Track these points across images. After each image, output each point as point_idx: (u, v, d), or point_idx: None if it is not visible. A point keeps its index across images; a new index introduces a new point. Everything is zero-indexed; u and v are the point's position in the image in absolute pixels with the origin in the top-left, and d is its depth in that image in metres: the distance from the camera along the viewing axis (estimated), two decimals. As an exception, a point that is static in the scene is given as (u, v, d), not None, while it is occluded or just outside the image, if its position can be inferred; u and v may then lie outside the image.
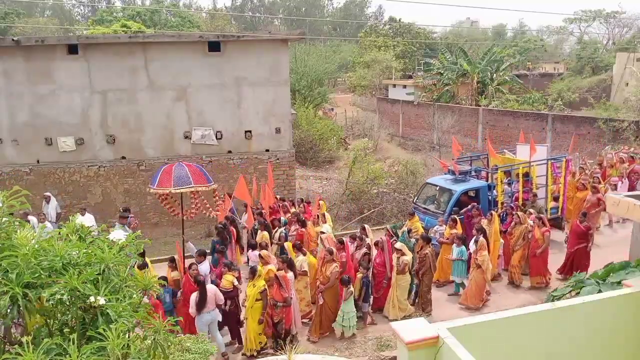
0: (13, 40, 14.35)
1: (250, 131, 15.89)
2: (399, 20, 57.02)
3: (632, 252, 7.51)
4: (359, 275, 9.47)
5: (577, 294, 5.95)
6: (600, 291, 5.55)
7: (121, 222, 11.37)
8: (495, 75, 35.70)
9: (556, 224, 13.07)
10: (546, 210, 12.89)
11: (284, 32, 29.34)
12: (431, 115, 33.66)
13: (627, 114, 26.82)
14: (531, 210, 11.76)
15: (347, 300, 8.82)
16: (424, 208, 13.33)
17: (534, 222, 10.87)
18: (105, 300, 2.88)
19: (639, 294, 4.85)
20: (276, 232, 11.35)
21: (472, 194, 13.11)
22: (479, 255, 9.93)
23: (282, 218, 12.09)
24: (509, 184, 13.42)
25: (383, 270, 9.87)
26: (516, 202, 12.62)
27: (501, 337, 4.43)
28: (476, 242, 10.09)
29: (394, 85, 43.45)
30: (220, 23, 47.74)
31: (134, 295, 3.17)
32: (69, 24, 61.12)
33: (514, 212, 11.51)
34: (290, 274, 8.68)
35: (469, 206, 12.23)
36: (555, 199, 13.13)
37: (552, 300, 5.98)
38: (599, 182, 13.95)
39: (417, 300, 10.00)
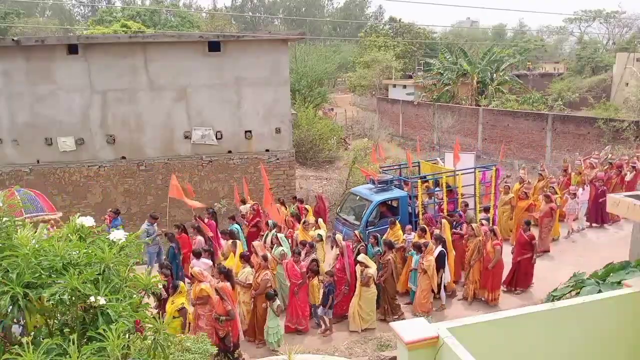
0: (13, 40, 14.36)
1: (250, 131, 15.88)
2: (399, 20, 57.05)
3: (632, 252, 7.51)
4: (315, 281, 9.35)
5: (577, 294, 5.94)
6: (600, 291, 5.54)
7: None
8: (495, 75, 35.71)
9: None
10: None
11: (284, 32, 29.36)
12: (431, 115, 33.68)
13: (627, 114, 26.87)
14: (483, 220, 11.29)
15: (272, 315, 8.50)
16: (344, 219, 12.75)
17: (485, 234, 10.37)
18: (105, 300, 2.88)
19: (639, 294, 4.85)
20: (266, 236, 11.02)
21: (394, 204, 12.63)
22: (425, 260, 9.68)
23: (270, 221, 11.59)
24: (430, 195, 12.91)
25: (343, 276, 9.64)
26: (441, 213, 12.15)
27: (501, 337, 4.43)
28: (426, 246, 9.85)
29: (394, 85, 43.45)
30: (220, 23, 47.63)
31: (134, 295, 3.17)
32: (69, 24, 61.11)
33: (462, 222, 11.14)
34: (227, 285, 8.37)
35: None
36: (486, 209, 12.51)
37: (552, 300, 5.98)
38: (555, 192, 13.37)
39: (386, 307, 9.80)
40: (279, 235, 10.71)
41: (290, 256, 9.88)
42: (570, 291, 6.16)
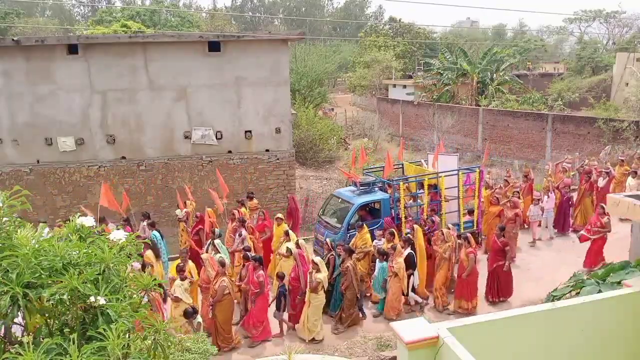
0: (13, 40, 14.34)
1: (250, 131, 15.88)
2: (399, 20, 57.01)
3: (632, 252, 7.51)
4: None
5: (577, 294, 5.94)
6: (600, 291, 5.55)
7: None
8: (495, 75, 35.71)
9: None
10: (459, 225, 12.07)
11: (284, 32, 29.36)
12: (431, 115, 33.66)
13: (627, 114, 26.85)
14: (450, 225, 11.08)
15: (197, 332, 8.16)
16: (326, 222, 12.41)
17: (456, 241, 10.15)
18: (105, 300, 2.88)
19: (639, 294, 4.86)
20: (208, 244, 10.63)
21: (376, 206, 12.33)
22: (394, 262, 9.48)
23: (216, 229, 11.17)
24: (413, 197, 12.61)
25: (297, 285, 9.40)
26: (422, 216, 11.96)
27: (501, 337, 4.44)
28: (394, 249, 9.67)
29: (394, 85, 43.46)
30: (220, 23, 47.66)
31: (134, 295, 3.17)
32: (69, 24, 61.08)
33: (434, 228, 10.97)
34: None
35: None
36: (470, 212, 12.28)
37: (552, 300, 5.98)
38: (519, 197, 13.19)
39: (341, 316, 9.58)
40: (216, 242, 10.43)
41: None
42: (570, 291, 6.17)
